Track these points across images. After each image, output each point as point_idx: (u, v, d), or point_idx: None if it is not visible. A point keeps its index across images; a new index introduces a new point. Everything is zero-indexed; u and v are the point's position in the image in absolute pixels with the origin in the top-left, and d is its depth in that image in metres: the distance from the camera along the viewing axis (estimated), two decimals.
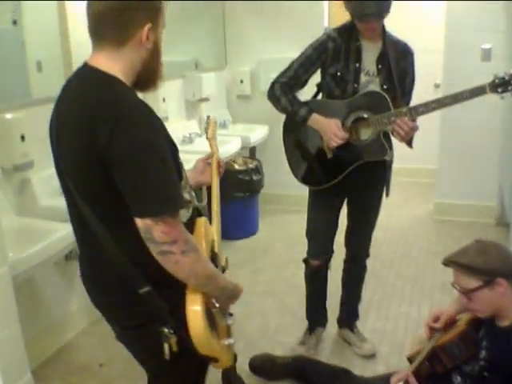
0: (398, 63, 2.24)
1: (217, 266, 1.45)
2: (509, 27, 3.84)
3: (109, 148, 1.16)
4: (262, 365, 2.49)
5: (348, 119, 2.26)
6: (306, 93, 2.40)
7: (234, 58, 4.67)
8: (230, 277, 1.47)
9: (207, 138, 1.91)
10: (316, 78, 2.35)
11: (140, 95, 1.30)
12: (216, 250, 1.55)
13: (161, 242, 1.19)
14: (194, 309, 1.27)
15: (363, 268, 2.66)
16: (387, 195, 2.46)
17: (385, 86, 2.23)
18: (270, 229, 4.33)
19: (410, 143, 2.29)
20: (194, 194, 1.49)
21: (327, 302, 2.71)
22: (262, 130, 4.36)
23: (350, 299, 2.72)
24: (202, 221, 1.47)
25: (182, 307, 1.27)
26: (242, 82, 4.64)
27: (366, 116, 2.23)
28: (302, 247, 2.62)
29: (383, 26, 2.23)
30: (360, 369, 2.47)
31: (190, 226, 1.39)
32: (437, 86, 5.00)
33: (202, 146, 3.17)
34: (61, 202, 1.46)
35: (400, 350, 2.58)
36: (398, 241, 4.04)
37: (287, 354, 2.57)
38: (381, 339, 2.74)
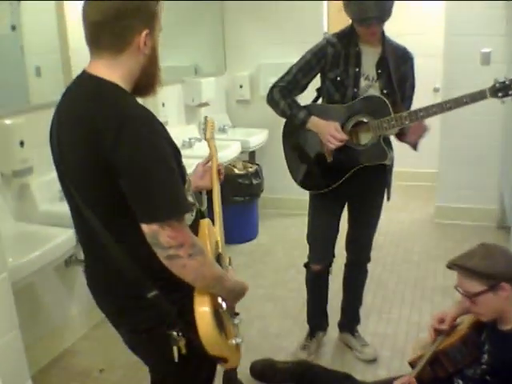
0: (397, 68, 2.24)
1: (222, 266, 1.46)
2: (508, 31, 3.84)
3: (113, 155, 1.16)
4: (263, 369, 2.48)
5: (348, 123, 2.26)
6: (306, 97, 2.40)
7: (233, 62, 4.67)
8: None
9: (205, 138, 1.91)
10: (316, 82, 2.35)
11: (140, 100, 1.30)
12: (220, 250, 1.56)
13: (167, 246, 1.19)
14: (203, 310, 1.28)
15: (364, 272, 2.65)
16: (388, 199, 2.45)
17: (385, 91, 2.23)
18: (270, 233, 4.32)
19: (416, 145, 2.30)
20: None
21: (328, 306, 2.70)
22: (261, 134, 4.36)
23: (350, 303, 2.71)
24: (205, 222, 1.48)
25: (190, 309, 1.28)
26: (241, 86, 4.64)
27: (366, 120, 2.23)
28: (302, 251, 2.62)
29: (383, 31, 2.23)
30: (361, 373, 2.47)
31: (195, 227, 1.40)
32: (436, 90, 4.98)
33: (201, 150, 3.17)
34: (60, 208, 1.46)
35: (401, 354, 2.57)
36: (398, 244, 4.03)
37: (288, 359, 2.57)
38: (382, 343, 2.73)
